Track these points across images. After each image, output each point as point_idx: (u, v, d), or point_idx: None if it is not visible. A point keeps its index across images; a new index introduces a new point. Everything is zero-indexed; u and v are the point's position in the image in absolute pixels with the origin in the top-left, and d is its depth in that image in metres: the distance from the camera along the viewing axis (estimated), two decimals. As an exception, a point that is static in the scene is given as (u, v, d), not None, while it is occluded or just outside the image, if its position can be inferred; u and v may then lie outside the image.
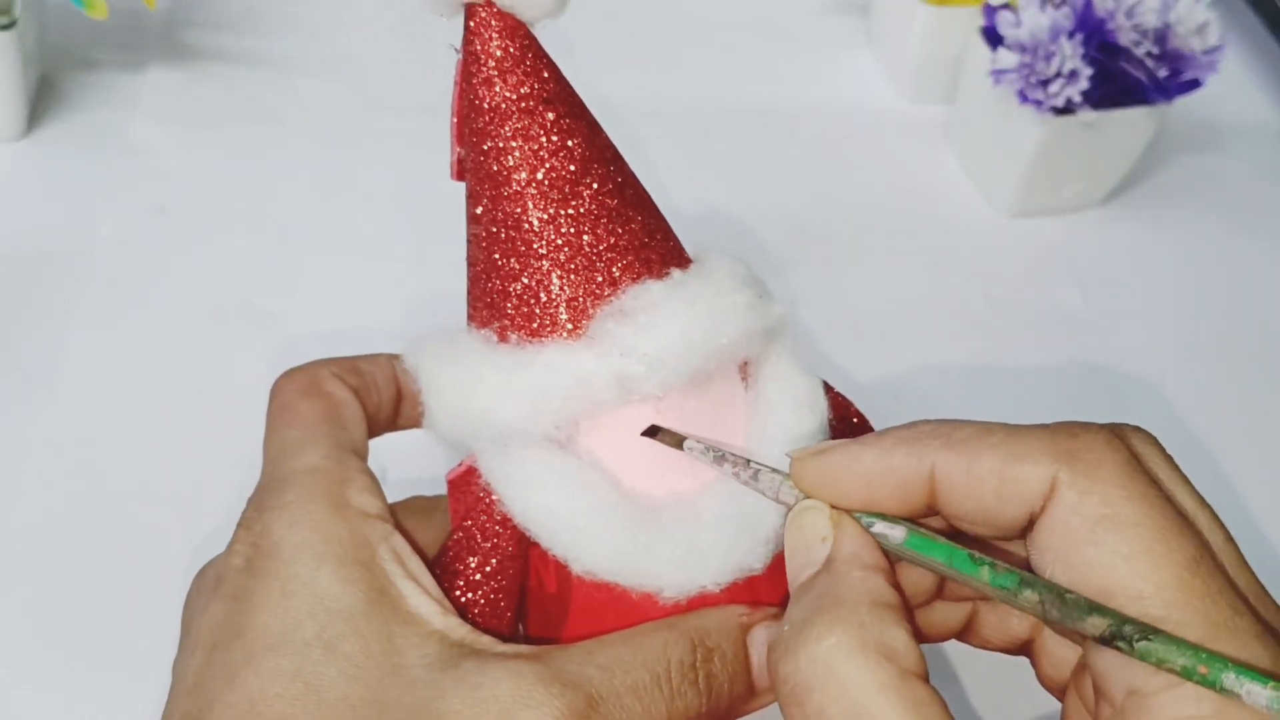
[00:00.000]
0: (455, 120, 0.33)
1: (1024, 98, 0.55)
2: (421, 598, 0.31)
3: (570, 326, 0.31)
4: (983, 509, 0.28)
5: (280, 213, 0.57)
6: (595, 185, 0.32)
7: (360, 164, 0.60)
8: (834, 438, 0.34)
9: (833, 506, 0.30)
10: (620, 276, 0.31)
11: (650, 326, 0.30)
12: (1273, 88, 0.71)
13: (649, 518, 0.31)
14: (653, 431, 0.32)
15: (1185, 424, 0.54)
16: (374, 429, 0.36)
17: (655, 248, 0.32)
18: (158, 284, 0.54)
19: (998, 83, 0.55)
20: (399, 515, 0.33)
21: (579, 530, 0.30)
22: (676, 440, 0.31)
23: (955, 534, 0.29)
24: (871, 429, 0.37)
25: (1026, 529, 0.28)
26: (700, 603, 0.31)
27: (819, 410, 0.33)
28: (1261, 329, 0.58)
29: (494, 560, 0.32)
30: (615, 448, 0.31)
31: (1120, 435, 0.28)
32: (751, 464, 0.31)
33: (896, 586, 0.28)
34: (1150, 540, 0.26)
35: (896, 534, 0.29)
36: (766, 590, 0.32)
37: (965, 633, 0.33)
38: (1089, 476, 0.26)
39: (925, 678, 0.26)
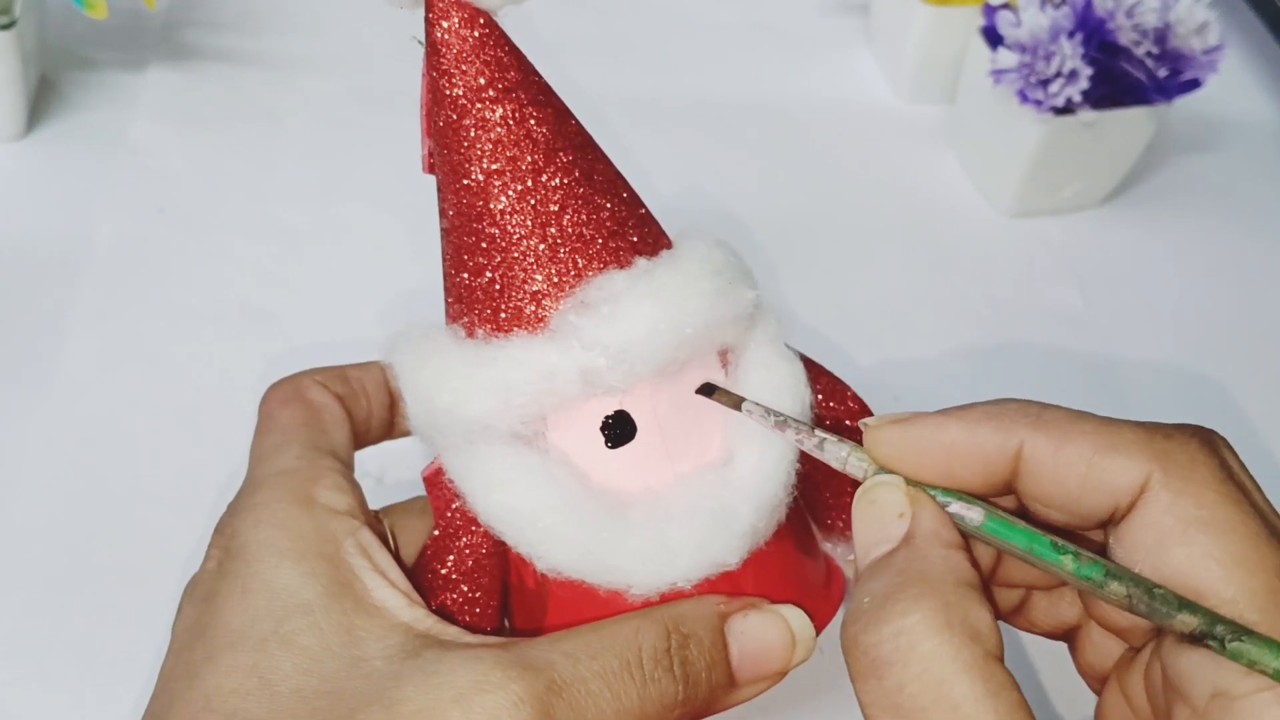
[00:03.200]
0: (424, 112, 0.32)
1: (1024, 98, 0.55)
2: (387, 590, 0.31)
3: (535, 320, 0.30)
4: (1065, 494, 0.28)
5: (280, 212, 0.57)
6: (561, 174, 0.31)
7: (360, 163, 0.60)
8: (821, 421, 0.34)
9: (907, 481, 0.29)
10: (585, 267, 0.31)
11: (612, 318, 0.30)
12: (1273, 88, 0.70)
13: (615, 514, 0.30)
14: (709, 390, 0.31)
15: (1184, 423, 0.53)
16: (367, 435, 0.36)
17: (626, 235, 0.31)
18: (157, 284, 0.54)
19: (998, 83, 0.55)
20: (397, 516, 0.34)
21: (541, 528, 0.30)
22: (734, 401, 0.31)
23: (1022, 516, 0.29)
24: (869, 411, 0.36)
25: (1106, 521, 0.28)
26: (673, 599, 0.31)
27: (800, 395, 0.32)
28: (1261, 329, 0.58)
29: (470, 560, 0.32)
30: (583, 443, 0.31)
31: (1211, 442, 0.28)
32: (817, 432, 0.30)
33: (975, 566, 0.28)
34: (1245, 547, 0.26)
35: (974, 515, 0.28)
36: (748, 586, 0.32)
37: (1013, 614, 0.33)
38: (1184, 478, 0.27)
39: (1003, 660, 0.26)
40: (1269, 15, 0.71)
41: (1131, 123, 0.57)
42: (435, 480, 0.32)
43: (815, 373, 0.35)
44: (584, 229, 0.31)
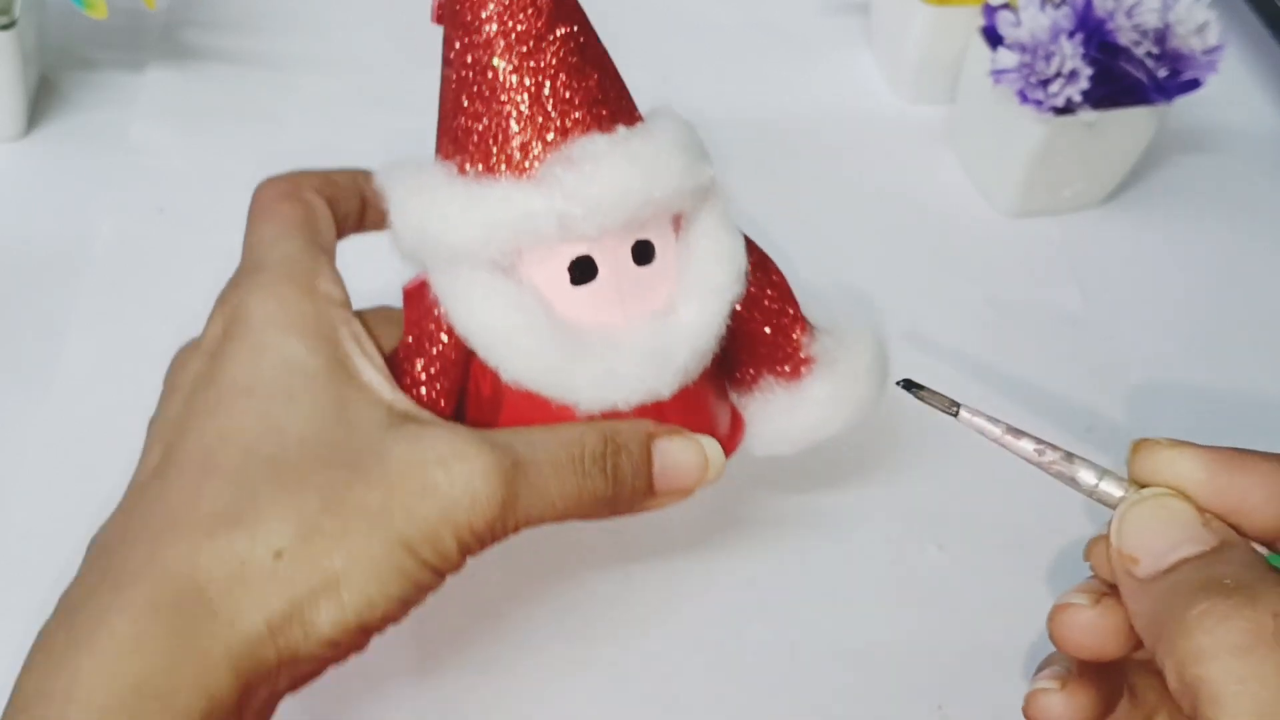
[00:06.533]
0: None
1: (1024, 98, 0.55)
2: (374, 372, 0.34)
3: (523, 167, 0.35)
4: None
5: (280, 213, 0.57)
6: (558, 43, 0.35)
7: (359, 163, 0.60)
8: (752, 289, 0.38)
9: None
10: (572, 127, 0.35)
11: (592, 175, 0.34)
12: (1273, 88, 0.70)
13: (575, 342, 0.35)
14: (914, 387, 0.33)
15: (1184, 424, 0.54)
16: (341, 231, 0.40)
17: (608, 104, 0.36)
18: (157, 284, 0.54)
19: (998, 83, 0.55)
20: (366, 320, 0.37)
21: (511, 345, 0.35)
22: (946, 403, 0.32)
23: None
24: (790, 290, 0.40)
25: None
26: (612, 418, 0.36)
27: (737, 263, 0.37)
28: (1261, 329, 0.58)
29: (437, 365, 0.36)
30: (551, 278, 0.35)
31: None
32: (1072, 456, 0.31)
33: None
34: None
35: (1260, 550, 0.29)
36: (674, 416, 0.37)
37: None
38: None
39: None
40: (1269, 15, 0.71)
41: (1131, 123, 0.57)
42: (415, 294, 0.37)
43: (750, 246, 0.39)
44: (575, 94, 0.35)
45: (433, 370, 0.36)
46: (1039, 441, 0.31)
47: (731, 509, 0.48)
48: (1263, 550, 0.29)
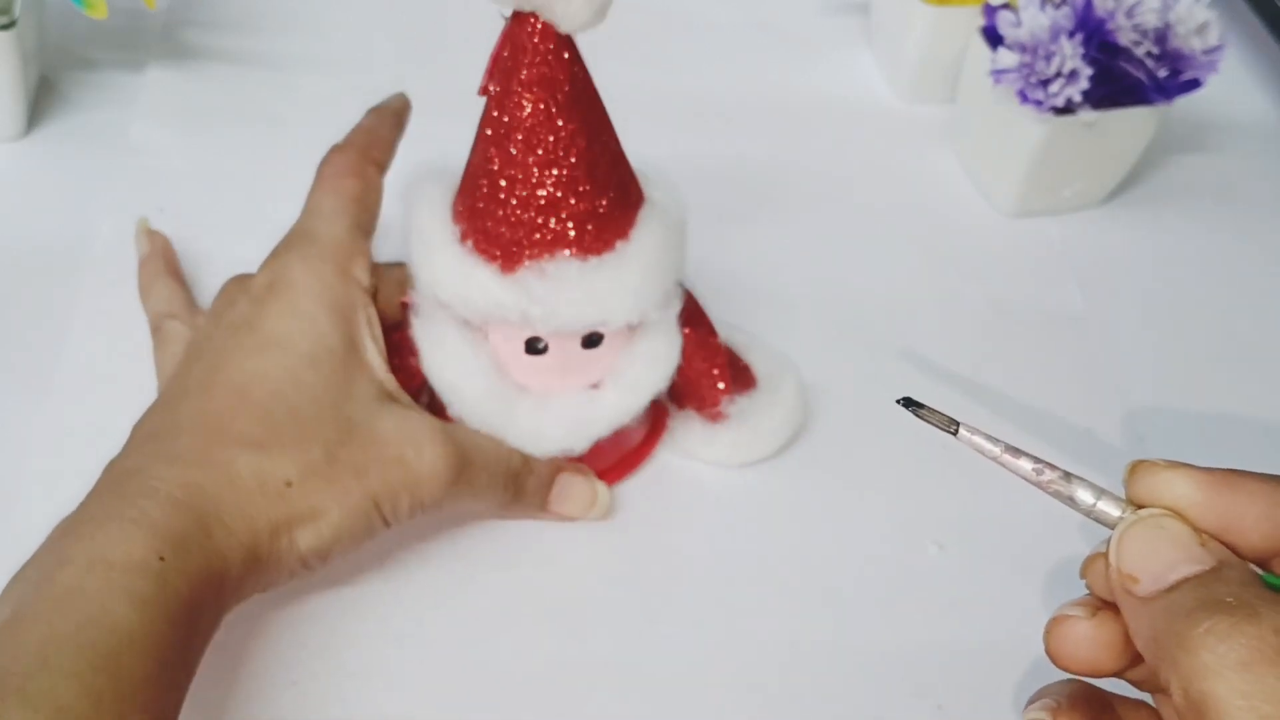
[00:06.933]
0: (493, 60, 0.40)
1: (1024, 98, 0.55)
2: (375, 355, 0.43)
3: (510, 263, 0.41)
4: None
5: (280, 213, 0.57)
6: (568, 172, 0.40)
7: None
8: (692, 361, 0.46)
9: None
10: (555, 244, 0.41)
11: (556, 294, 0.41)
12: (1273, 88, 0.71)
13: (513, 401, 0.44)
14: (912, 405, 0.33)
15: (1184, 425, 0.53)
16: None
17: (594, 223, 0.41)
18: (158, 284, 0.53)
19: (998, 83, 0.55)
20: (384, 273, 0.45)
21: (461, 396, 0.43)
22: (945, 421, 0.32)
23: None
24: (722, 358, 0.47)
25: None
26: None
27: (668, 368, 0.45)
28: (1261, 329, 0.58)
29: (414, 365, 0.44)
30: (510, 347, 0.43)
31: None
32: (1071, 475, 0.31)
33: None
34: None
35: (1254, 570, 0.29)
36: (584, 458, 0.46)
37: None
38: None
39: None
40: (1269, 15, 0.71)
41: (1131, 123, 0.57)
42: (409, 308, 0.44)
43: (698, 319, 0.47)
44: (570, 219, 0.41)
45: (410, 367, 0.45)
46: (1037, 461, 0.31)
47: (729, 508, 0.48)
48: (1258, 570, 0.29)
